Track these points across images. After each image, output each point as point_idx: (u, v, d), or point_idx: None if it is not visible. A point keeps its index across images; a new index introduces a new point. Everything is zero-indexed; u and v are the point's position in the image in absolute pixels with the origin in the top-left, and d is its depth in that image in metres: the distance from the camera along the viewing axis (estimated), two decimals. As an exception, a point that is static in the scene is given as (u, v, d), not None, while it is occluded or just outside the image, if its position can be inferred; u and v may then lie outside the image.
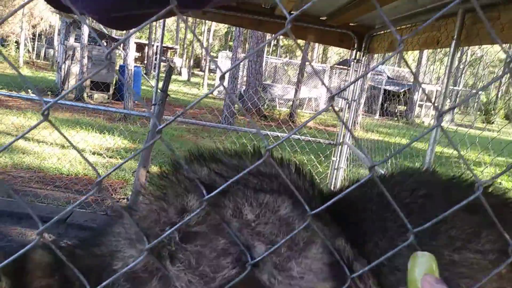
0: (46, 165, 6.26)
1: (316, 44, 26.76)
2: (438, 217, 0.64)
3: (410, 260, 0.68)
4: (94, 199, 5.26)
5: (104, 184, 5.84)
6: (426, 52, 23.59)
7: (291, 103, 18.20)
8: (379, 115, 21.85)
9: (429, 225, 0.64)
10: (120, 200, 5.45)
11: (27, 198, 4.94)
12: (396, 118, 21.71)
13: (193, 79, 30.82)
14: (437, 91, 21.41)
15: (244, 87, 17.26)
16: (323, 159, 5.80)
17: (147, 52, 30.48)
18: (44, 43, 30.65)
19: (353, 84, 5.04)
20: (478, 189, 0.63)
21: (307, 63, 16.97)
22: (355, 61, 4.54)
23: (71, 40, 14.19)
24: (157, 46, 30.98)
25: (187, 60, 37.50)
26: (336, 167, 4.98)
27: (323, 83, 0.63)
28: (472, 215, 1.21)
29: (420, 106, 23.86)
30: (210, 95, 22.18)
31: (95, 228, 1.94)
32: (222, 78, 0.60)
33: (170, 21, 45.53)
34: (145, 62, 30.38)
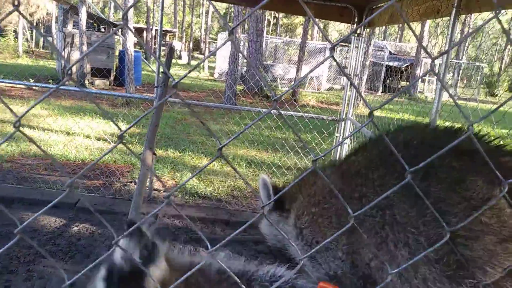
0: (52, 152, 6.33)
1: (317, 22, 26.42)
2: (428, 159, 0.68)
3: None
4: (102, 183, 5.34)
5: (111, 168, 5.91)
6: (427, 26, 23.29)
7: (293, 82, 18.11)
8: (382, 91, 21.74)
9: (421, 166, 0.68)
10: (128, 183, 5.52)
11: (36, 185, 5.01)
12: (399, 94, 21.58)
13: (193, 62, 30.65)
14: (439, 65, 21.23)
15: (245, 68, 17.18)
16: (327, 135, 5.84)
17: (146, 36, 30.27)
18: (42, 31, 30.43)
19: (354, 60, 5.03)
20: (469, 129, 0.67)
21: (307, 41, 16.82)
22: (356, 35, 4.52)
23: (69, 27, 14.11)
24: (156, 30, 30.70)
25: (187, 43, 37.23)
26: (339, 143, 5.02)
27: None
28: (460, 159, 1.29)
29: (423, 81, 23.69)
30: (211, 78, 22.10)
31: None
32: (231, 33, 0.63)
33: (167, 4, 44.98)
34: (144, 47, 30.13)
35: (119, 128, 0.72)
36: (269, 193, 1.58)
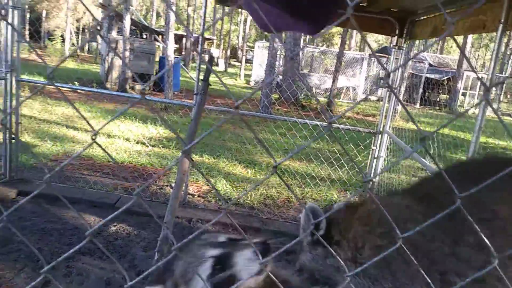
0: (94, 154, 6.58)
1: (354, 32, 26.22)
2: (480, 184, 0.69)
3: None
4: (139, 185, 5.50)
5: (149, 172, 6.08)
6: (470, 38, 22.60)
7: (328, 92, 18.00)
8: (420, 104, 21.23)
9: (474, 191, 0.69)
10: (164, 187, 5.66)
11: (78, 184, 5.23)
12: (438, 107, 21.02)
13: (230, 70, 31.06)
14: (482, 78, 20.52)
15: (280, 77, 17.24)
16: (362, 148, 5.78)
17: (185, 44, 30.94)
18: (88, 36, 31.73)
19: (393, 73, 4.98)
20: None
21: (345, 51, 16.69)
22: (397, 47, 4.48)
23: (114, 33, 14.67)
24: (195, 37, 31.36)
25: (224, 51, 37.77)
26: (375, 156, 4.96)
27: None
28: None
29: (464, 94, 22.97)
30: (247, 85, 22.31)
31: None
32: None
33: (207, 12, 45.82)
34: (183, 53, 30.84)
35: (180, 140, 0.77)
36: (320, 224, 1.45)
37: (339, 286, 1.35)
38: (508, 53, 29.19)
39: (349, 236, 1.41)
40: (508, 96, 24.55)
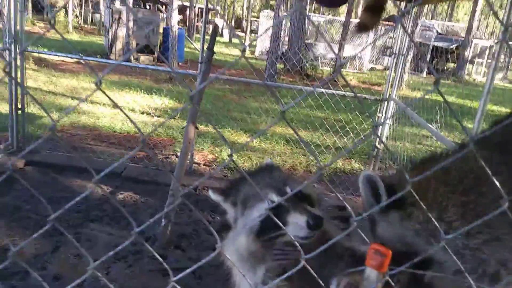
0: (100, 124, 6.61)
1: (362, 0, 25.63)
2: None
3: None
4: (145, 155, 5.55)
5: (154, 141, 6.12)
6: (480, 4, 22.03)
7: (334, 62, 17.79)
8: (427, 73, 20.93)
9: None
10: (170, 156, 5.71)
11: (85, 154, 5.29)
12: (445, 76, 20.72)
13: (234, 40, 30.63)
14: (490, 46, 20.11)
15: (286, 47, 17.01)
16: (368, 116, 5.75)
17: (189, 14, 30.43)
18: (91, 8, 31.30)
19: (400, 40, 4.90)
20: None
21: (351, 19, 16.37)
22: (404, 13, 4.38)
23: (117, 3, 14.45)
24: (199, 8, 30.75)
25: (228, 21, 37.16)
26: (381, 123, 4.95)
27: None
28: None
29: (472, 62, 22.58)
30: (252, 56, 22.05)
31: None
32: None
33: (211, -19, 44.76)
34: (187, 24, 30.40)
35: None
36: (379, 191, 1.34)
37: (422, 249, 1.24)
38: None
39: (427, 195, 1.32)
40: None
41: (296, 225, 1.51)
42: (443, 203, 1.32)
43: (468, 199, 1.28)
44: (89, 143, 5.82)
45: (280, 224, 1.07)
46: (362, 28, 2.02)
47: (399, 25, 4.78)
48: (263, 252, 1.67)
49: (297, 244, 1.17)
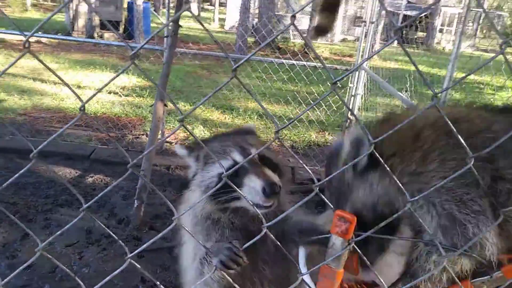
0: (64, 105, 6.35)
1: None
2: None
3: None
4: (114, 135, 5.37)
5: (123, 121, 5.93)
6: (448, -28, 22.15)
7: (305, 34, 17.62)
8: (398, 42, 21.04)
9: None
10: (140, 136, 5.55)
11: (49, 137, 5.07)
12: (415, 45, 20.93)
13: (203, 14, 29.91)
14: (459, 14, 20.37)
15: (256, 20, 16.70)
16: (340, 86, 5.70)
17: (155, -12, 29.37)
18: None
19: (370, 9, 4.83)
20: None
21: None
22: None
23: (76, -23, 13.74)
24: (164, -19, 29.69)
25: (196, -6, 36.13)
26: (353, 94, 4.92)
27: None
28: None
29: (441, 31, 22.85)
30: (222, 30, 21.61)
31: None
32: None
33: (176, -47, 43.15)
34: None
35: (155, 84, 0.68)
36: (361, 151, 1.27)
37: (402, 206, 1.17)
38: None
39: (402, 154, 1.28)
40: (484, 31, 24.55)
41: (252, 189, 1.45)
42: (418, 156, 1.29)
43: (453, 156, 1.26)
44: (54, 126, 5.58)
45: (234, 187, 1.06)
46: (321, 31, 1.96)
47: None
48: (217, 216, 1.61)
49: (255, 209, 1.14)
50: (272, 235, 1.07)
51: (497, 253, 1.23)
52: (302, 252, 1.45)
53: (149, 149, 3.76)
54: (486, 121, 1.34)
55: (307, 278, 1.27)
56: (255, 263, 1.63)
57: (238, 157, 1.57)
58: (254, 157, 1.55)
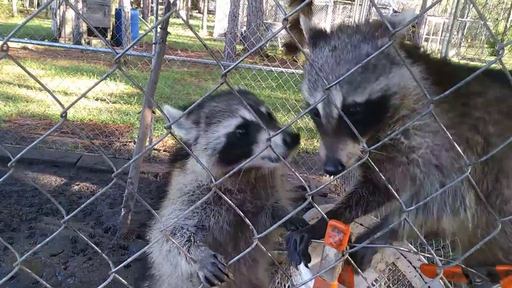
0: (50, 112, 6.25)
1: (318, -21, 25.56)
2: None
3: None
4: (101, 142, 5.31)
5: (111, 128, 5.86)
6: (433, -18, 22.55)
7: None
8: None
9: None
10: (127, 143, 5.50)
11: (35, 144, 4.98)
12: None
13: (191, 22, 29.93)
14: (444, 23, 20.73)
15: (245, 28, 16.78)
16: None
17: (143, -5, 29.34)
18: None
19: (358, 18, 4.88)
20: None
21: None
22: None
23: (63, -17, 13.63)
24: (152, -12, 29.67)
25: (185, 2, 36.17)
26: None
27: None
28: None
29: (427, 40, 23.21)
30: (211, 37, 21.63)
31: None
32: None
33: (164, -40, 43.20)
34: (141, 5, 29.34)
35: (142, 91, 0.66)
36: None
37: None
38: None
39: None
40: (469, 41, 25.01)
41: (270, 143, 1.32)
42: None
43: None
44: (40, 133, 5.49)
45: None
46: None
47: (357, 3, 4.76)
48: (222, 185, 1.53)
49: (272, 162, 1.18)
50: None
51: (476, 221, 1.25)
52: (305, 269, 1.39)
53: (136, 157, 3.71)
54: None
55: (305, 270, 1.24)
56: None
57: (247, 114, 1.48)
58: (264, 113, 1.49)
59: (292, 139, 1.36)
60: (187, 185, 1.59)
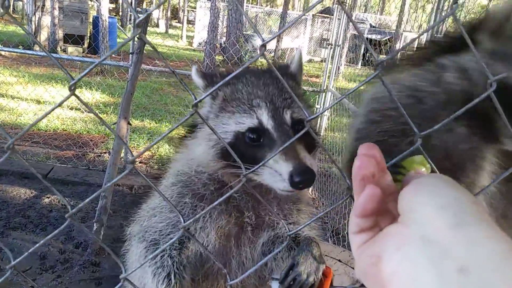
0: (22, 121, 6.06)
1: (298, -8, 25.95)
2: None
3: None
4: (75, 154, 5.16)
5: (85, 139, 5.71)
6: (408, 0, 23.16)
7: (272, 54, 17.88)
8: (361, 64, 21.72)
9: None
10: (102, 154, 5.36)
11: (4, 155, 4.80)
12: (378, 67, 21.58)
13: (171, 31, 29.82)
14: (419, 39, 21.25)
15: (224, 38, 16.81)
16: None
17: (122, 3, 29.13)
18: (10, -6, 28.93)
19: (336, 31, 4.92)
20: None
21: (288, 11, 16.50)
22: (339, 4, 4.39)
23: (40, -11, 13.39)
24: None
25: (164, 11, 36.12)
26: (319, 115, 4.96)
27: None
28: None
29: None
30: (190, 47, 21.59)
31: None
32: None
33: (144, -30, 43.13)
34: (120, 14, 29.10)
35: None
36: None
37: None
38: (443, 14, 30.27)
39: None
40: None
41: (273, 172, 1.06)
42: None
43: None
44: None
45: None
46: None
47: (335, 17, 4.81)
48: (225, 179, 1.26)
49: (275, 188, 0.98)
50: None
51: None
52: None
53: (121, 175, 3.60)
54: None
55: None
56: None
57: (265, 118, 1.16)
58: (286, 122, 1.16)
59: (300, 178, 1.02)
60: (184, 166, 1.37)
